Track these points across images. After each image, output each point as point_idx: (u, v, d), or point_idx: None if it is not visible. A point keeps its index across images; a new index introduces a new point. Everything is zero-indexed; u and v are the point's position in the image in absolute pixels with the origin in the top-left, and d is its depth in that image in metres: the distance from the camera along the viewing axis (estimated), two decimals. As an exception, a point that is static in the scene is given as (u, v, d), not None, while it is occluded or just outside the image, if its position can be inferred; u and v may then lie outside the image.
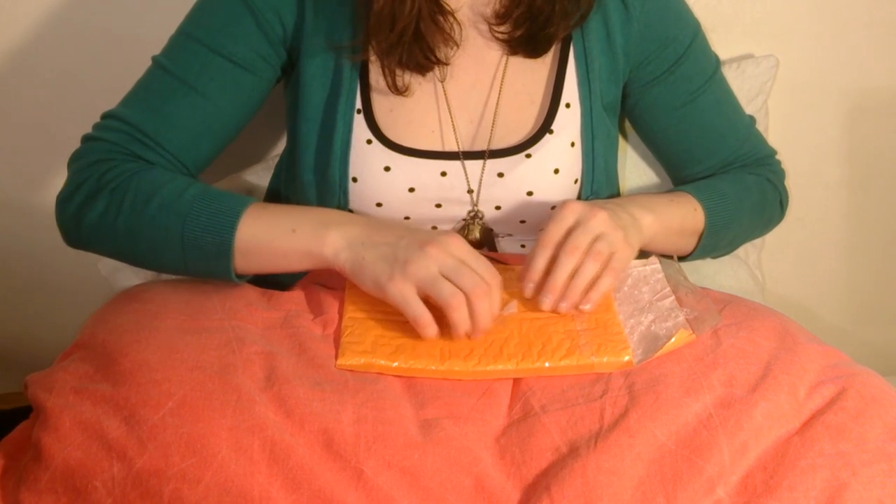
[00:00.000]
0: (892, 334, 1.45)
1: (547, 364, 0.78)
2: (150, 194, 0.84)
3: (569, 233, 0.83)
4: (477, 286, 0.77)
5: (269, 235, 0.83)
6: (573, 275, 0.82)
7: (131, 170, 0.86)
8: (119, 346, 0.72)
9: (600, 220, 0.83)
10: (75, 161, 0.89)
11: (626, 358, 0.78)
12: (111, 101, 0.93)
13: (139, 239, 0.84)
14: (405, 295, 0.78)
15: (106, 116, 0.92)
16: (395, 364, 0.79)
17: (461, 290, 0.77)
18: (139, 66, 0.93)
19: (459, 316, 0.77)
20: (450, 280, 0.78)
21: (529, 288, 0.83)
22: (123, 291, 0.86)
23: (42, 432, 0.67)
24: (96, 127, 0.92)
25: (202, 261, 0.83)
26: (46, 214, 1.30)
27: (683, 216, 0.96)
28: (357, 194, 0.94)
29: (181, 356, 0.71)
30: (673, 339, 0.79)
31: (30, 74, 1.30)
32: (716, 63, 1.03)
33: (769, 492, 0.66)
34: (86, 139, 0.91)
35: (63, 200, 0.88)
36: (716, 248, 1.03)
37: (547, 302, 0.82)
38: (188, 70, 0.90)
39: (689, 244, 0.99)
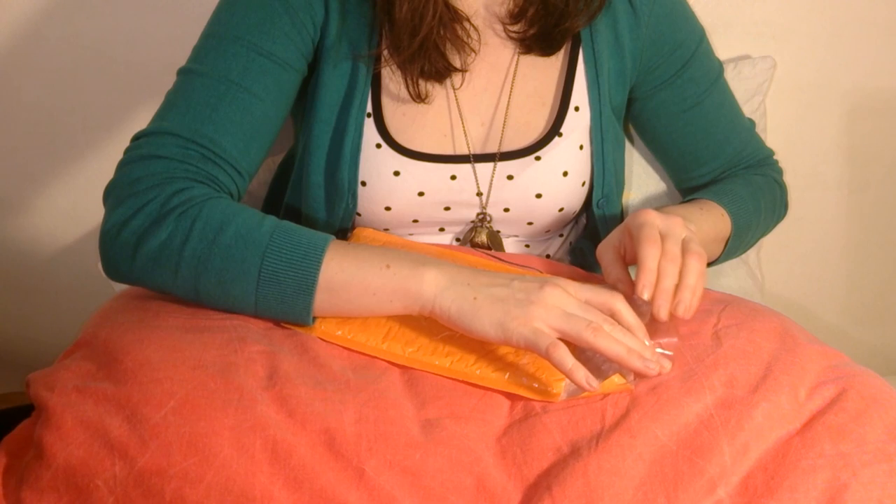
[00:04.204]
0: (892, 334, 1.45)
1: (478, 372, 0.77)
2: (223, 223, 0.78)
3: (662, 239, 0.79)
4: (606, 318, 0.74)
5: (360, 271, 0.77)
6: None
7: (203, 195, 0.80)
8: (121, 344, 0.72)
9: (681, 224, 0.81)
10: (129, 184, 0.80)
11: (555, 391, 0.75)
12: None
13: (207, 271, 0.77)
14: (536, 331, 0.72)
15: (147, 134, 0.84)
16: (339, 333, 0.79)
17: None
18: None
19: (605, 339, 0.72)
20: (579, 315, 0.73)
21: (647, 292, 0.77)
22: (125, 290, 0.85)
23: (44, 431, 0.67)
24: (140, 146, 0.83)
25: (277, 298, 0.77)
26: (46, 214, 1.30)
27: (715, 223, 0.96)
28: (366, 198, 0.94)
29: (183, 355, 0.71)
30: (613, 380, 0.75)
31: (30, 74, 1.30)
32: (719, 67, 1.04)
33: (770, 492, 0.66)
34: (134, 159, 0.82)
35: (115, 226, 0.79)
36: (736, 251, 1.03)
37: (663, 308, 0.76)
38: (230, 71, 0.86)
39: (718, 250, 1.00)
